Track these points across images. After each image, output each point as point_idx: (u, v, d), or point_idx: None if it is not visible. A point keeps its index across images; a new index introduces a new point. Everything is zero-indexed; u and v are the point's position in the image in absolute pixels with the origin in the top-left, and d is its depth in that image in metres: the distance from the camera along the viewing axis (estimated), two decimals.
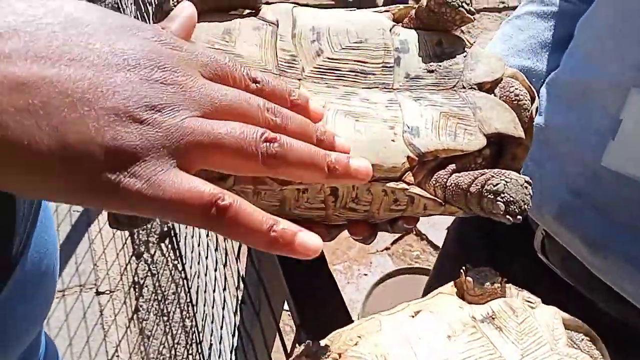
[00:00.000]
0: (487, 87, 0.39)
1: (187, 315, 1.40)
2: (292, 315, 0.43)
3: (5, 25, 0.21)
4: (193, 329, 1.35)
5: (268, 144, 0.24)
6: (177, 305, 1.43)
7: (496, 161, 0.38)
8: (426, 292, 0.85)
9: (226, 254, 0.81)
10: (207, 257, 1.08)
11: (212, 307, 1.06)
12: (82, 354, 1.32)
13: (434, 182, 0.35)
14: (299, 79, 0.36)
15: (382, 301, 1.40)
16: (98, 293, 1.45)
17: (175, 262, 1.52)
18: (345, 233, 0.39)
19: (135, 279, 1.50)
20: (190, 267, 1.35)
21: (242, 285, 0.67)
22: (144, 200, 0.22)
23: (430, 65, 0.38)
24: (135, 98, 0.22)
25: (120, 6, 1.99)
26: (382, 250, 1.64)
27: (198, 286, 1.25)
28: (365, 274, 1.57)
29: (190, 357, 1.34)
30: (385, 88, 0.37)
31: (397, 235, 1.67)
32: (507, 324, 0.30)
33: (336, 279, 0.44)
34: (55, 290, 0.59)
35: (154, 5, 1.27)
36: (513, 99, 0.38)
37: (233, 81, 0.27)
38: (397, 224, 0.38)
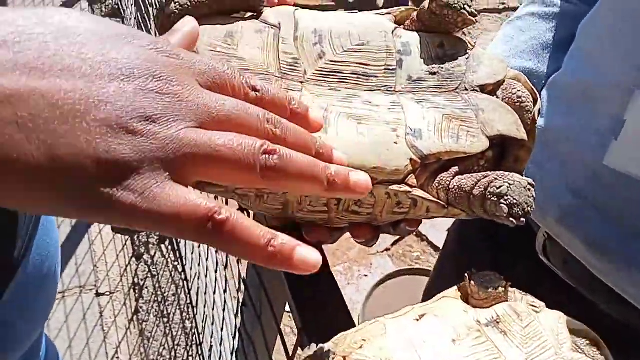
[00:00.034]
0: (490, 89, 0.39)
1: (187, 316, 1.40)
2: (294, 318, 0.43)
3: None
4: (193, 331, 1.35)
5: (267, 156, 0.24)
6: (177, 307, 1.43)
7: (499, 163, 0.38)
8: (427, 294, 0.85)
9: (227, 255, 0.81)
10: (207, 259, 1.08)
11: (213, 309, 1.06)
12: (82, 355, 1.32)
13: (436, 184, 0.35)
14: (302, 82, 0.36)
15: (382, 302, 1.40)
16: (98, 294, 1.45)
17: (176, 263, 1.52)
18: (346, 234, 0.39)
19: (136, 280, 1.50)
20: (191, 269, 1.34)
21: (243, 288, 0.67)
22: (138, 215, 0.21)
23: (433, 68, 0.38)
24: (129, 109, 0.22)
25: (120, 7, 1.99)
26: (383, 252, 1.64)
27: (198, 288, 1.25)
28: (366, 275, 1.56)
29: (190, 358, 1.34)
30: (387, 90, 0.37)
31: (397, 236, 1.66)
32: (512, 328, 0.30)
33: (336, 280, 0.44)
34: (57, 293, 0.59)
35: (154, 7, 1.27)
36: (515, 101, 0.38)
37: (232, 89, 0.26)
38: (400, 226, 0.38)
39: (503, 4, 2.55)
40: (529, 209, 0.31)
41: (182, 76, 0.24)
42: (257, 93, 0.27)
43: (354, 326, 0.41)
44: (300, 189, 0.26)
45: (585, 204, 0.51)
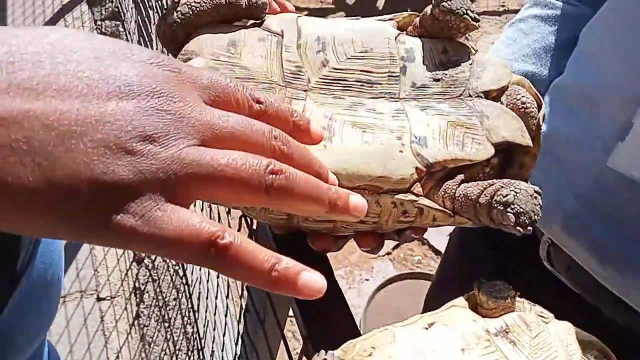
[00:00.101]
0: (494, 95, 0.38)
1: (189, 321, 1.39)
2: (298, 325, 0.43)
3: None
4: (194, 336, 1.35)
5: (274, 176, 0.23)
6: (179, 312, 1.43)
7: (504, 170, 0.38)
8: (429, 299, 0.85)
9: None
10: None
11: (214, 314, 1.06)
12: None
13: (442, 192, 0.35)
14: (305, 90, 0.36)
15: (383, 306, 1.40)
16: (99, 299, 1.45)
17: (177, 267, 1.52)
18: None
19: (136, 284, 1.50)
20: (192, 273, 1.34)
21: (245, 294, 0.66)
22: (138, 238, 0.21)
23: (436, 74, 0.38)
24: (128, 128, 0.21)
25: (120, 10, 1.99)
26: (384, 255, 1.63)
27: (200, 292, 1.25)
28: (367, 279, 1.56)
29: None
30: (391, 97, 0.36)
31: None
32: (521, 338, 0.30)
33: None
34: (59, 299, 0.59)
35: (154, 10, 1.27)
36: (520, 106, 0.38)
37: (236, 103, 0.25)
38: (405, 233, 0.37)
39: (503, 6, 2.55)
40: (536, 217, 0.31)
41: (184, 92, 0.23)
42: (260, 105, 0.26)
43: (359, 333, 0.41)
44: (303, 209, 0.25)
45: (589, 210, 0.50)
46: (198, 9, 0.36)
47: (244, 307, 0.71)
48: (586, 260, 0.51)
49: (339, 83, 0.36)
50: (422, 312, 0.89)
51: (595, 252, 0.50)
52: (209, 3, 0.36)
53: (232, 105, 0.25)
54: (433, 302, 0.84)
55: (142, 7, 1.43)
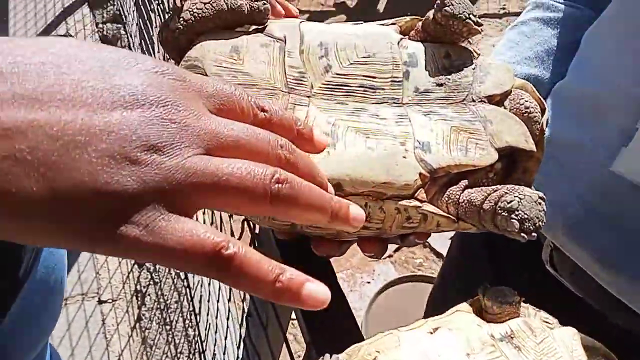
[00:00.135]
0: (497, 100, 0.38)
1: (190, 324, 1.39)
2: (301, 331, 0.43)
3: None
4: (196, 339, 1.35)
5: (280, 185, 0.23)
6: (180, 314, 1.43)
7: (507, 174, 0.38)
8: (431, 302, 0.85)
9: None
10: None
11: (216, 317, 1.05)
12: None
13: (446, 198, 0.35)
14: (309, 96, 0.35)
15: (385, 309, 1.40)
16: (100, 302, 1.45)
17: (178, 270, 1.52)
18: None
19: (138, 287, 1.50)
20: (193, 276, 1.34)
21: (248, 297, 0.66)
22: (142, 248, 0.21)
23: (439, 79, 0.38)
24: (132, 137, 0.21)
25: (121, 13, 1.99)
26: (385, 258, 1.63)
27: (201, 295, 1.24)
28: (368, 282, 1.56)
29: None
30: (394, 103, 0.36)
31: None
32: (526, 343, 0.30)
33: None
34: (62, 304, 0.59)
35: (156, 13, 1.27)
36: (523, 111, 0.38)
37: (241, 111, 0.25)
38: (409, 238, 0.37)
39: (503, 9, 2.55)
40: (540, 223, 0.31)
41: (188, 100, 0.23)
42: (265, 114, 0.26)
43: (362, 336, 0.41)
44: (307, 219, 0.25)
45: (592, 214, 0.50)
46: (200, 15, 0.36)
47: (246, 310, 0.71)
48: (589, 265, 0.51)
49: (342, 88, 0.36)
50: (424, 315, 0.89)
51: (598, 256, 0.50)
52: (211, 9, 0.36)
53: (237, 113, 0.25)
54: (435, 305, 0.84)
55: (143, 10, 1.43)
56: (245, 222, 0.51)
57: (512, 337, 0.30)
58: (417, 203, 0.34)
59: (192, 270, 0.22)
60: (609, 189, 0.48)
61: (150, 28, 1.39)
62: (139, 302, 1.47)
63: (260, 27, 0.38)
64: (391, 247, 1.67)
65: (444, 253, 1.26)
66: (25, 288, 0.45)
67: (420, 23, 0.40)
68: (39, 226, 0.20)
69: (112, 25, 2.04)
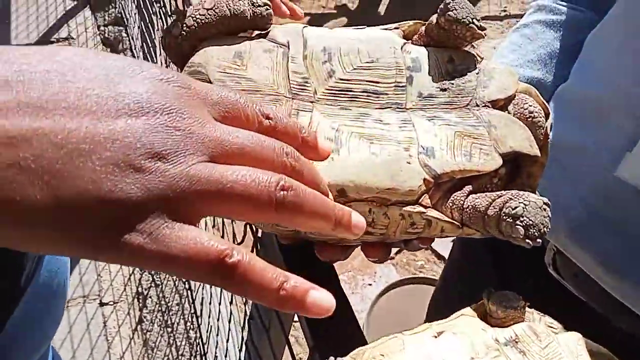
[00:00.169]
0: (501, 104, 0.38)
1: (192, 326, 1.39)
2: (305, 335, 0.43)
3: None
4: (197, 341, 1.35)
5: (285, 192, 0.23)
6: (182, 317, 1.43)
7: (511, 179, 0.38)
8: (433, 304, 0.85)
9: None
10: None
11: (218, 320, 1.05)
12: None
13: (450, 204, 0.35)
14: (312, 102, 0.35)
15: (386, 311, 1.40)
16: (102, 304, 1.45)
17: None
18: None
19: (139, 289, 1.50)
20: None
21: (249, 300, 0.66)
22: (146, 256, 0.21)
23: (443, 84, 0.38)
24: (137, 145, 0.21)
25: (123, 15, 1.99)
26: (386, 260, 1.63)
27: (203, 298, 1.24)
28: (370, 284, 1.56)
29: None
30: (398, 108, 0.36)
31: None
32: (531, 348, 0.30)
33: None
34: (65, 307, 0.59)
35: (158, 16, 1.27)
36: (527, 116, 0.38)
37: (246, 119, 0.25)
38: (412, 243, 0.37)
39: (504, 11, 2.55)
40: (545, 229, 0.31)
41: (193, 108, 0.23)
42: (270, 121, 0.26)
43: (365, 339, 0.41)
44: (311, 226, 0.25)
45: (595, 218, 0.50)
46: (203, 21, 0.36)
47: (248, 313, 0.71)
48: (592, 268, 0.51)
49: (346, 94, 0.36)
50: (426, 318, 0.89)
51: (602, 260, 0.50)
52: (214, 15, 0.36)
53: (241, 121, 0.25)
54: (437, 308, 0.84)
55: (145, 13, 1.44)
56: (248, 225, 0.51)
57: (516, 342, 0.30)
58: (422, 209, 0.33)
59: (196, 278, 0.22)
60: (612, 192, 0.48)
61: (152, 31, 1.40)
62: (141, 305, 1.47)
63: (263, 32, 0.38)
64: (393, 249, 1.66)
65: (446, 255, 1.25)
66: (28, 292, 0.45)
67: (423, 27, 0.40)
68: (43, 234, 0.20)
69: (113, 28, 2.04)
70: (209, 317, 1.14)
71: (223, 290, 0.99)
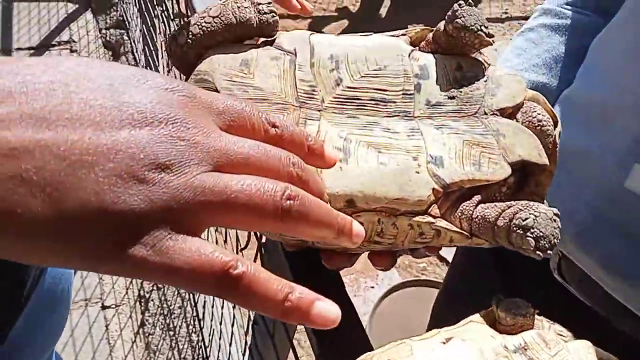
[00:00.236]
0: (509, 112, 0.38)
1: (194, 330, 1.39)
2: (310, 342, 0.43)
3: None
4: (200, 344, 1.35)
5: (291, 201, 0.23)
6: (184, 320, 1.43)
7: (520, 188, 0.38)
8: (436, 308, 0.84)
9: None
10: None
11: (220, 323, 1.05)
12: None
13: (459, 214, 0.34)
14: (320, 110, 0.35)
15: (389, 314, 1.40)
16: (104, 307, 1.45)
17: None
18: None
19: (141, 292, 1.50)
20: None
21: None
22: (150, 268, 0.20)
23: (451, 92, 0.37)
24: (140, 156, 0.21)
25: (125, 19, 1.99)
26: None
27: (205, 301, 1.24)
28: (372, 287, 1.55)
29: None
30: (406, 116, 0.36)
31: None
32: (540, 355, 0.30)
33: None
34: (68, 312, 0.59)
35: (160, 19, 1.27)
36: (536, 124, 0.38)
37: (252, 128, 0.25)
38: (419, 250, 0.37)
39: (505, 13, 2.55)
40: (555, 240, 0.30)
41: (198, 118, 0.23)
42: (276, 130, 0.26)
43: (371, 347, 0.41)
44: (315, 235, 0.25)
45: (600, 222, 0.50)
46: (209, 29, 0.36)
47: (252, 317, 0.70)
48: (597, 273, 0.51)
49: (353, 102, 0.36)
50: (429, 320, 0.88)
51: (607, 265, 0.49)
52: (220, 23, 0.36)
53: (247, 130, 0.25)
54: (440, 311, 0.84)
55: (147, 16, 1.43)
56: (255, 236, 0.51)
57: (525, 349, 0.30)
58: (431, 219, 0.33)
59: (200, 290, 0.22)
60: (617, 195, 0.48)
61: (153, 34, 1.39)
62: (143, 308, 1.47)
63: (269, 39, 0.38)
64: None
65: (448, 258, 1.25)
66: (33, 298, 0.45)
67: (430, 34, 0.40)
68: (45, 246, 0.20)
69: (115, 31, 2.04)
70: (212, 320, 1.14)
71: None
